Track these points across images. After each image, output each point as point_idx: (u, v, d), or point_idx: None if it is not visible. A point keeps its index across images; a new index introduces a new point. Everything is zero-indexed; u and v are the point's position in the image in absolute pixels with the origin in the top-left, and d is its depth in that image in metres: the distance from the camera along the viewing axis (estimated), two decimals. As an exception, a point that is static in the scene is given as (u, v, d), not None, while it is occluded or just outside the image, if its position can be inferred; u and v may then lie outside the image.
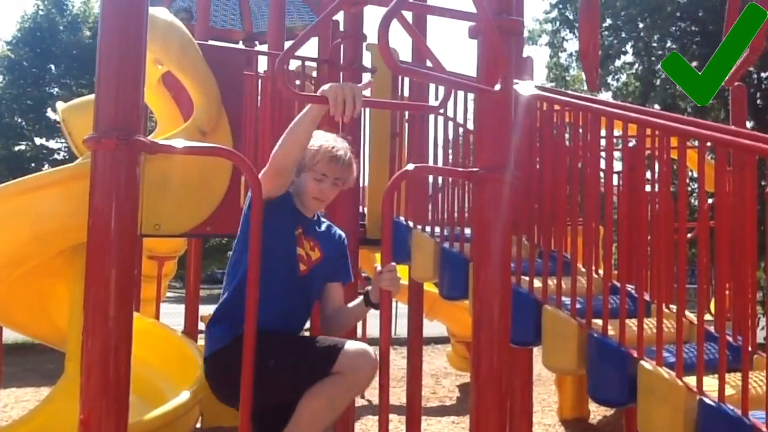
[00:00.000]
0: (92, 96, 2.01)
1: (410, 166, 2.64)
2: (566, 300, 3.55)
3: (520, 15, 4.53)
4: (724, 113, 14.25)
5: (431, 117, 4.68)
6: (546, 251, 3.80)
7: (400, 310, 11.54)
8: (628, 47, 18.38)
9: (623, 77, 19.50)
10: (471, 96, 4.21)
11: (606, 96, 18.48)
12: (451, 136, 4.57)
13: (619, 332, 3.30)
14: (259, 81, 5.34)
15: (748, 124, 12.34)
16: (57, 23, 20.83)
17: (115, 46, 1.95)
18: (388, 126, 5.14)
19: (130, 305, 1.95)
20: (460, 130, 4.51)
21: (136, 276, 6.24)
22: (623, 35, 18.02)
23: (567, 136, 4.10)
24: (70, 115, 6.25)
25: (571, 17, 18.47)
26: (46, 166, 19.64)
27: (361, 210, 5.28)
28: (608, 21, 17.80)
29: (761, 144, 3.16)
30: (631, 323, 3.36)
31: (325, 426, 2.70)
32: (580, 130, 3.76)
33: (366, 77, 5.19)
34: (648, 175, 3.80)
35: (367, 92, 2.57)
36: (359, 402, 7.29)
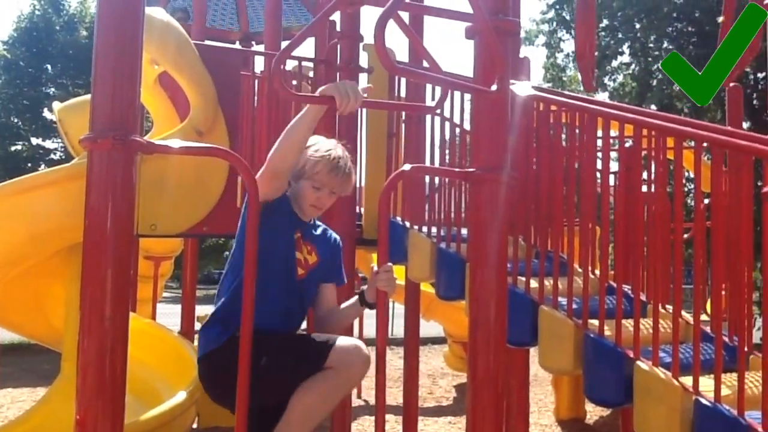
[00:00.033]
0: (89, 96, 2.01)
1: (407, 167, 2.64)
2: (563, 300, 3.55)
3: (517, 15, 4.54)
4: (721, 114, 14.26)
5: (428, 117, 4.69)
6: (542, 251, 3.81)
7: (397, 310, 11.53)
8: (625, 48, 18.42)
9: (620, 78, 19.54)
10: (468, 96, 4.21)
11: (603, 96, 18.50)
12: (447, 137, 4.57)
13: (615, 332, 3.30)
14: (256, 81, 5.33)
15: (745, 125, 12.37)
16: (53, 23, 20.83)
17: (112, 46, 1.95)
18: (385, 126, 5.14)
19: (126, 305, 1.95)
20: (457, 130, 4.51)
21: (133, 276, 6.24)
22: (620, 36, 18.05)
23: (564, 136, 4.10)
24: (67, 115, 6.25)
25: (568, 18, 18.50)
26: (43, 166, 19.63)
27: (358, 210, 5.28)
28: (605, 21, 17.83)
29: (757, 144, 3.16)
30: (628, 323, 3.36)
31: (318, 421, 2.71)
32: (577, 131, 3.77)
33: (364, 80, 5.19)
34: (644, 175, 3.80)
35: (365, 95, 2.57)
36: (356, 402, 7.29)
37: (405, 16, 2.57)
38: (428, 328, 9.20)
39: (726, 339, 3.50)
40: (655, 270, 3.60)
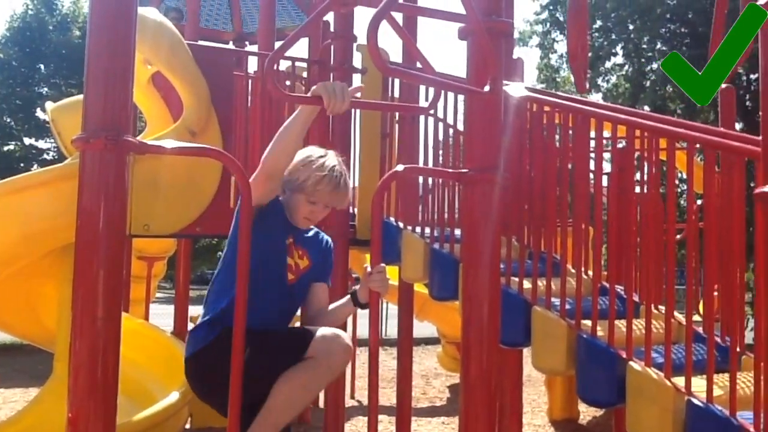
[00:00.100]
0: (81, 96, 2.00)
1: (400, 167, 2.64)
2: (556, 301, 3.56)
3: (510, 16, 4.53)
4: (714, 115, 14.31)
5: (421, 118, 4.69)
6: (536, 252, 3.81)
7: (391, 310, 11.55)
8: (618, 49, 18.45)
9: (613, 79, 19.58)
10: (461, 97, 4.22)
11: (596, 97, 18.55)
12: (441, 137, 4.57)
13: (608, 333, 3.31)
14: (249, 81, 5.33)
15: (738, 126, 12.40)
16: (46, 23, 20.76)
17: (104, 46, 1.95)
18: (379, 127, 5.15)
19: (119, 306, 1.94)
20: (450, 131, 4.51)
21: (125, 276, 6.22)
22: (613, 37, 18.09)
23: (557, 137, 4.11)
24: (60, 115, 6.23)
25: (561, 19, 18.52)
26: (36, 166, 19.58)
27: (351, 211, 5.28)
28: (598, 23, 17.87)
29: (749, 146, 3.17)
30: (620, 324, 3.37)
31: (299, 409, 2.74)
32: (570, 132, 3.77)
33: (357, 80, 5.20)
34: (637, 176, 3.81)
35: (357, 95, 2.57)
36: (349, 403, 7.29)
37: (399, 17, 2.57)
38: (422, 328, 9.21)
39: (718, 339, 3.51)
40: (647, 271, 3.60)
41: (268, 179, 2.69)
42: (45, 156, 20.85)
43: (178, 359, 5.23)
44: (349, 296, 2.93)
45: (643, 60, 18.08)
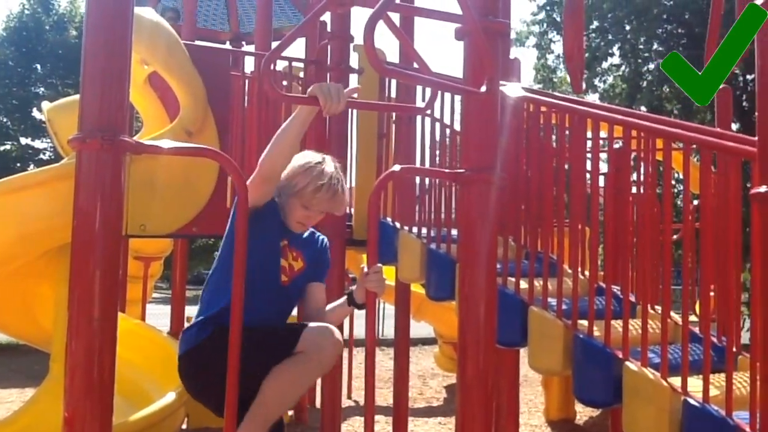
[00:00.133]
0: (78, 96, 2.00)
1: (396, 167, 2.64)
2: (552, 301, 3.56)
3: (507, 17, 4.56)
4: (711, 115, 14.32)
5: (418, 118, 4.69)
6: (532, 252, 3.81)
7: (387, 310, 11.54)
8: (615, 49, 18.48)
9: (610, 79, 19.60)
10: (458, 97, 4.22)
11: (593, 98, 18.57)
12: (438, 138, 4.58)
13: (604, 333, 3.31)
14: (246, 81, 5.33)
15: (734, 127, 12.43)
16: (43, 23, 20.75)
17: (101, 46, 1.94)
18: (376, 127, 5.15)
19: (115, 306, 1.94)
20: (447, 131, 4.52)
21: (122, 277, 6.22)
22: (610, 37, 18.12)
23: (554, 137, 4.11)
24: (56, 115, 6.22)
25: (558, 19, 18.55)
26: (32, 166, 19.55)
27: (348, 211, 5.28)
28: (595, 23, 17.90)
29: (745, 146, 3.18)
30: (617, 324, 3.37)
31: (290, 403, 2.77)
32: (567, 132, 3.78)
33: (354, 81, 5.20)
34: (634, 176, 3.81)
35: (354, 95, 2.58)
36: (346, 403, 7.29)
37: (396, 17, 2.57)
38: (419, 328, 9.21)
39: (714, 340, 3.52)
40: (644, 271, 3.61)
41: (264, 182, 2.70)
42: (41, 156, 20.84)
43: (174, 360, 5.18)
44: (346, 297, 2.93)
45: (639, 60, 18.11)
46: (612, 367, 3.22)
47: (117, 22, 1.95)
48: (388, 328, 10.75)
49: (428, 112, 4.39)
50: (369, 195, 2.48)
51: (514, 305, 3.63)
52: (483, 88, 2.38)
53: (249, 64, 5.67)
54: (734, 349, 3.30)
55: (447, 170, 3.03)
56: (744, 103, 15.67)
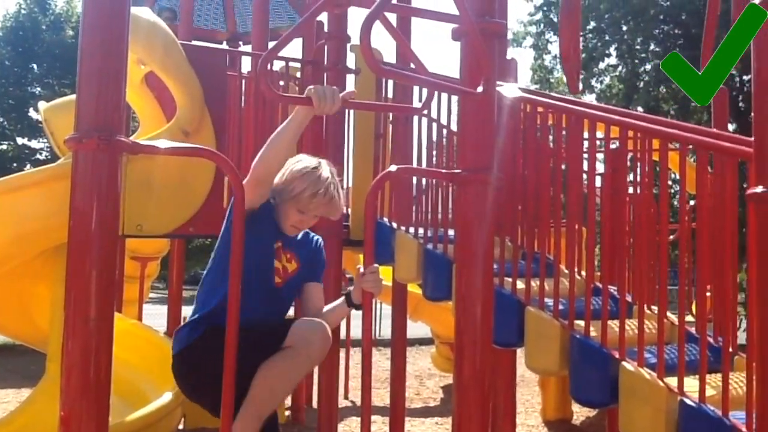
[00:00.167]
0: (74, 96, 2.00)
1: (393, 168, 2.64)
2: (549, 301, 3.56)
3: (504, 17, 4.54)
4: (707, 116, 14.35)
5: (415, 118, 4.69)
6: (529, 253, 3.82)
7: (384, 311, 11.54)
8: (612, 50, 18.51)
9: (607, 79, 19.62)
10: (455, 98, 4.22)
11: (590, 98, 18.60)
12: (435, 138, 4.58)
13: (601, 333, 3.32)
14: (243, 81, 5.32)
15: (731, 127, 12.44)
16: (39, 22, 20.72)
17: (97, 46, 1.94)
18: (373, 127, 5.15)
19: (111, 306, 1.94)
20: (444, 131, 4.52)
21: (118, 277, 6.21)
22: (607, 38, 18.14)
23: (551, 137, 4.11)
24: (52, 115, 6.21)
25: (555, 20, 18.56)
26: (28, 166, 19.53)
27: (345, 211, 5.28)
28: (592, 24, 17.92)
29: (742, 147, 3.18)
30: (613, 324, 3.38)
31: (281, 398, 2.79)
32: (564, 132, 3.78)
33: (350, 80, 5.20)
34: (630, 176, 3.82)
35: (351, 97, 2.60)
36: (343, 403, 7.29)
37: (393, 17, 2.57)
38: (416, 328, 9.20)
39: (711, 340, 3.52)
40: (640, 271, 3.61)
41: (258, 184, 2.71)
42: (38, 156, 20.81)
43: (171, 360, 5.24)
44: (343, 297, 2.93)
45: (636, 61, 18.14)
46: (608, 368, 3.22)
47: (114, 21, 1.95)
48: (385, 329, 10.76)
49: (425, 112, 4.39)
50: (366, 195, 2.48)
51: (511, 305, 3.63)
52: (480, 89, 2.38)
53: (246, 64, 5.66)
54: (731, 350, 3.30)
55: (444, 170, 3.03)
56: (740, 104, 15.71)
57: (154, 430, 4.42)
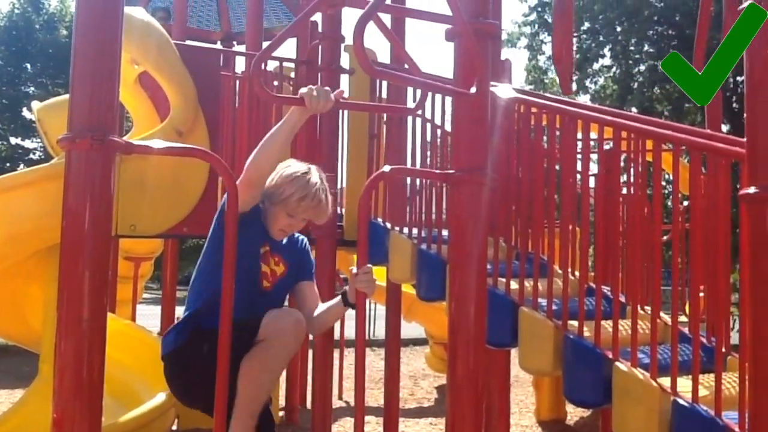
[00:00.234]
0: (68, 96, 1.99)
1: (387, 168, 2.64)
2: (543, 302, 3.57)
3: (498, 18, 4.56)
4: (701, 117, 14.39)
5: (409, 118, 4.69)
6: (523, 253, 3.82)
7: (379, 311, 11.54)
8: (606, 51, 18.54)
9: (601, 80, 19.66)
10: (449, 98, 4.22)
11: (584, 99, 18.63)
12: (429, 138, 4.58)
13: (594, 334, 3.32)
14: (237, 81, 5.32)
15: (724, 128, 12.47)
16: (33, 22, 20.66)
17: (90, 46, 1.94)
18: (366, 127, 5.15)
19: (104, 307, 1.94)
20: (438, 131, 4.52)
21: (111, 277, 6.20)
22: (601, 39, 18.18)
23: (544, 138, 4.12)
24: (46, 115, 6.19)
25: (549, 20, 18.59)
26: (22, 165, 19.46)
27: (339, 211, 5.28)
28: (586, 24, 17.95)
29: (735, 147, 3.19)
30: (607, 325, 3.38)
31: (268, 391, 2.80)
32: (557, 133, 3.78)
33: (345, 80, 5.21)
34: (624, 177, 3.82)
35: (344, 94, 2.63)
36: (337, 404, 7.28)
37: (387, 18, 2.58)
38: (410, 329, 9.20)
39: (704, 340, 3.53)
40: (634, 271, 3.62)
41: (250, 185, 2.72)
42: (31, 156, 20.76)
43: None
44: (339, 297, 2.95)
45: (630, 62, 18.18)
46: (602, 368, 3.23)
47: (107, 21, 1.95)
48: (379, 329, 10.75)
49: (419, 112, 4.39)
50: (360, 196, 2.49)
51: (505, 306, 3.63)
52: (473, 89, 2.38)
53: (240, 65, 5.66)
54: (723, 350, 3.31)
55: (437, 171, 3.04)
56: (734, 105, 15.75)
57: (148, 431, 4.41)
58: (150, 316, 9.91)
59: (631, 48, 18.06)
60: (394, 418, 5.35)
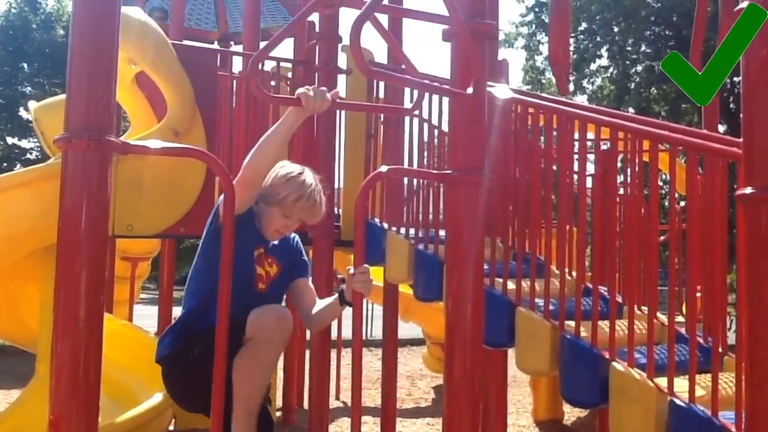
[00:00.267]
0: (65, 95, 1.99)
1: (384, 168, 2.64)
2: (540, 302, 3.57)
3: (495, 18, 4.56)
4: (698, 117, 14.41)
5: (406, 119, 4.69)
6: (520, 253, 3.82)
7: (376, 311, 11.54)
8: (603, 51, 18.55)
9: (598, 81, 19.67)
10: (446, 98, 4.22)
11: (581, 99, 18.65)
12: (426, 138, 4.58)
13: (591, 334, 3.32)
14: (234, 82, 5.32)
15: (721, 128, 12.49)
16: (30, 21, 20.62)
17: (87, 46, 1.94)
18: (364, 128, 5.15)
19: (101, 307, 1.93)
20: (435, 132, 4.52)
21: (109, 277, 6.19)
22: (598, 39, 18.19)
23: (542, 138, 4.12)
24: (43, 115, 6.18)
25: (547, 21, 18.58)
26: (18, 165, 19.43)
27: (336, 211, 5.28)
28: (583, 25, 17.97)
29: (731, 148, 3.20)
30: (604, 325, 3.39)
31: (264, 387, 2.80)
32: (555, 133, 3.78)
33: (342, 80, 5.21)
34: (621, 177, 3.83)
35: (341, 94, 2.63)
36: (334, 404, 7.28)
37: (384, 18, 2.58)
38: (407, 329, 9.20)
39: (701, 340, 3.53)
40: (631, 272, 3.62)
41: (247, 186, 2.73)
42: (28, 156, 20.72)
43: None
44: (336, 295, 2.95)
45: (627, 62, 18.19)
46: (599, 368, 3.23)
47: (104, 21, 1.95)
48: (376, 329, 10.75)
49: (416, 112, 4.39)
50: (357, 196, 2.49)
51: (502, 306, 3.64)
52: (470, 90, 2.38)
53: (237, 64, 5.66)
54: (720, 350, 3.31)
55: (435, 171, 3.04)
56: (731, 105, 15.77)
57: (145, 431, 4.41)
58: (147, 317, 9.90)
59: (628, 48, 18.07)
60: (391, 419, 5.35)
